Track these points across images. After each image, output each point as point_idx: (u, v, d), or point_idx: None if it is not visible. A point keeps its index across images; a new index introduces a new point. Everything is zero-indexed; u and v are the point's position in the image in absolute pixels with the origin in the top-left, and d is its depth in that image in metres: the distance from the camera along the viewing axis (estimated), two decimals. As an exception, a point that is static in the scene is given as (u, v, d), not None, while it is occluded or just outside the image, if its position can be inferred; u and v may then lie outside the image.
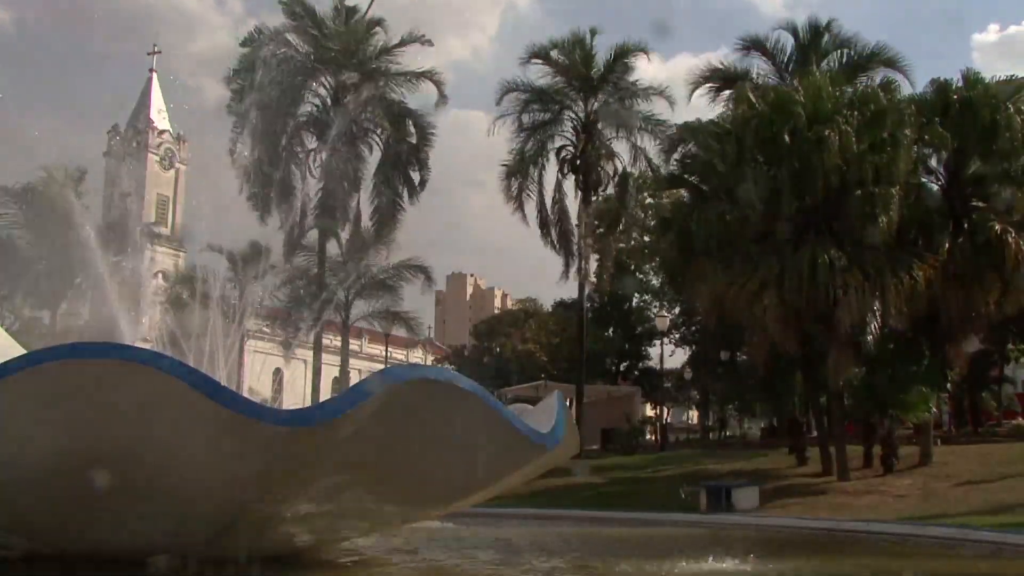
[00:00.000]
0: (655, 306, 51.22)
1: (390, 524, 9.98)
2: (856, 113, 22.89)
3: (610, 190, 37.44)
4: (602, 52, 35.92)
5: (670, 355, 49.55)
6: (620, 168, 36.44)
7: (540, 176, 36.53)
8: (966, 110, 23.98)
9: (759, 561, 10.05)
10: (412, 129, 36.81)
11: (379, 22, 36.56)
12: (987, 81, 25.12)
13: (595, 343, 45.84)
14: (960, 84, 25.16)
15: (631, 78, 35.54)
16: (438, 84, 36.72)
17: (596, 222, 37.05)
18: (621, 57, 35.36)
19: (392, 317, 36.95)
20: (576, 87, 35.95)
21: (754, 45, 31.20)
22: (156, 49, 56.65)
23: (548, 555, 10.78)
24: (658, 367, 46.15)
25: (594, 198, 36.66)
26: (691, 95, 31.62)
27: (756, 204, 22.55)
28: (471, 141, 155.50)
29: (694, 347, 49.35)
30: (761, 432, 43.63)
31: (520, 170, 35.86)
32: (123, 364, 6.57)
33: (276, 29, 35.45)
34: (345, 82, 35.69)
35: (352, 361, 42.75)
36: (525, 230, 36.24)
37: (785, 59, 30.70)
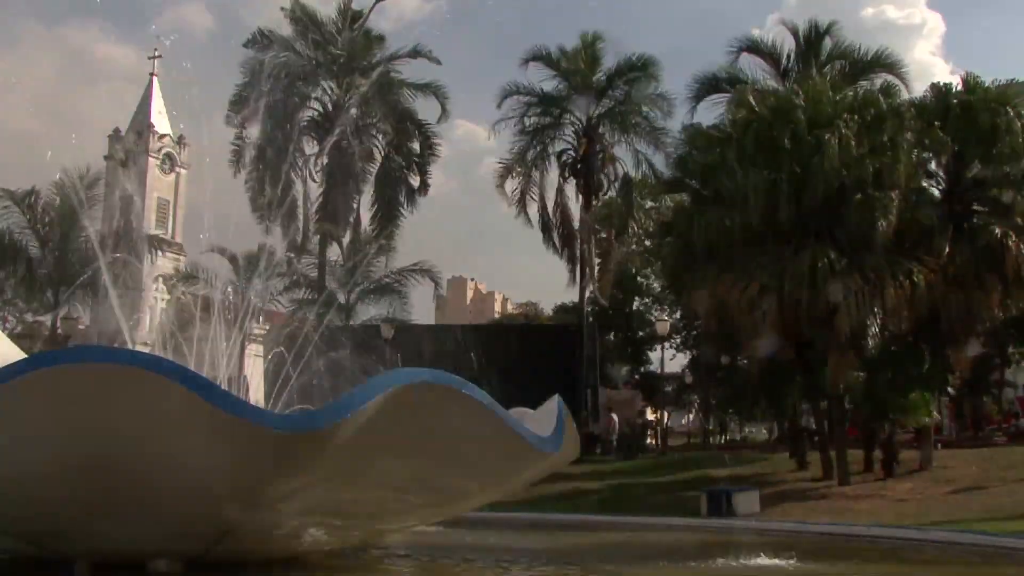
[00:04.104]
0: (656, 310, 51.29)
1: (388, 529, 10.00)
2: (856, 117, 22.91)
3: (611, 194, 37.55)
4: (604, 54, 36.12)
5: (671, 359, 49.62)
6: (621, 172, 36.55)
7: (542, 179, 36.66)
8: (966, 114, 24.02)
9: (759, 564, 10.06)
10: (415, 136, 36.94)
11: (381, 38, 36.81)
12: (987, 85, 25.18)
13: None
14: (959, 88, 25.23)
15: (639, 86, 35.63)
16: (440, 98, 36.85)
17: (597, 226, 37.15)
18: (628, 69, 35.46)
19: (393, 322, 36.95)
20: (579, 91, 36.02)
21: (753, 48, 31.28)
22: (157, 53, 56.61)
23: (537, 562, 10.79)
24: (659, 371, 46.14)
25: (595, 202, 36.75)
26: (697, 103, 31.65)
27: (756, 208, 22.55)
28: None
29: (695, 351, 49.37)
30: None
31: (519, 170, 35.98)
32: (123, 368, 6.58)
33: (284, 37, 35.53)
34: (348, 87, 35.80)
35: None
36: (527, 234, 36.45)
37: (786, 63, 30.79)
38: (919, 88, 28.68)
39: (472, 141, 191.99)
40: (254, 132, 32.23)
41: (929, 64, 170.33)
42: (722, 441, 55.18)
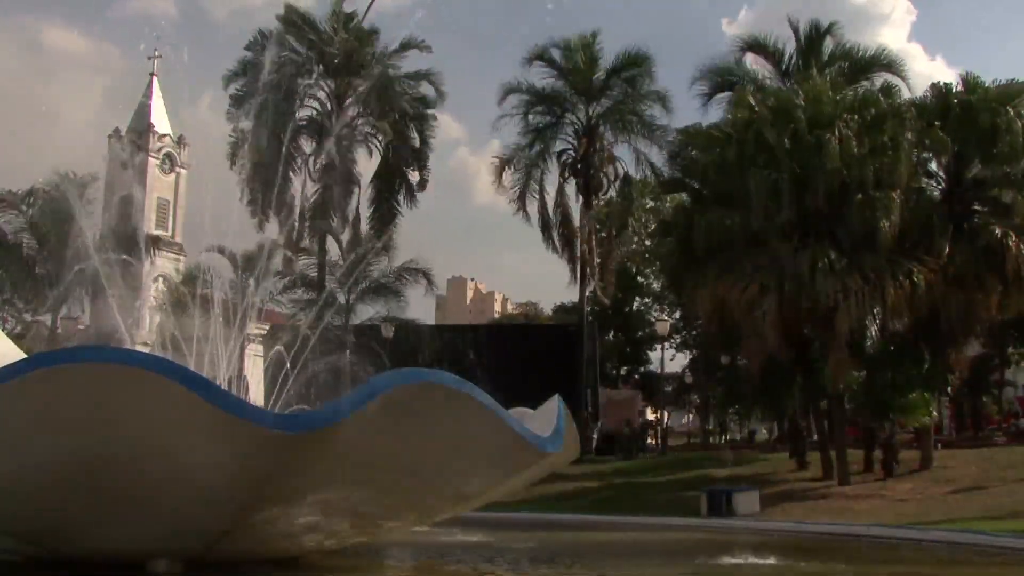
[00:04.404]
0: (656, 310, 51.31)
1: (388, 529, 9.98)
2: (856, 117, 22.90)
3: (611, 194, 37.56)
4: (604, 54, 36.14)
5: (671, 359, 49.66)
6: (621, 172, 36.55)
7: (541, 179, 36.66)
8: (966, 114, 24.00)
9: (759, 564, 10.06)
10: (412, 132, 36.98)
11: (374, 31, 36.82)
12: (987, 85, 25.18)
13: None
14: (960, 88, 25.22)
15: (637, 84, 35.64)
16: (435, 84, 36.96)
17: (598, 226, 37.12)
18: (626, 65, 35.45)
19: (393, 321, 36.88)
20: (578, 91, 36.02)
21: (754, 47, 31.25)
22: (156, 53, 56.63)
23: (536, 561, 10.80)
24: (659, 371, 46.18)
25: (595, 202, 36.74)
26: (708, 101, 31.60)
27: (758, 208, 22.55)
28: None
29: (695, 351, 49.40)
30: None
31: (514, 165, 36.05)
32: (123, 368, 6.57)
33: (276, 34, 35.53)
34: (344, 86, 35.77)
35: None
36: (527, 234, 36.52)
37: (786, 62, 30.76)
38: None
39: (441, 132, 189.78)
40: (253, 133, 32.12)
41: (904, 52, 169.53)
42: (721, 441, 55.17)
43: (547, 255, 37.11)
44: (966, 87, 25.13)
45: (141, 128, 53.08)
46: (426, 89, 37.12)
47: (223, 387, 8.86)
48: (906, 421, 24.40)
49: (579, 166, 35.99)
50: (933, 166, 25.85)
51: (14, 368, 6.68)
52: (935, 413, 25.12)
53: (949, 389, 29.15)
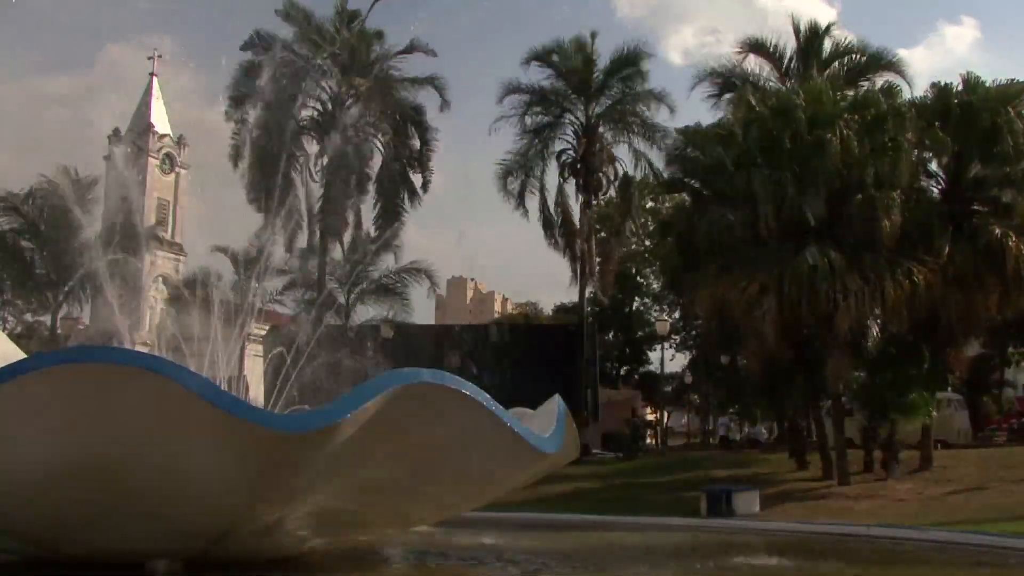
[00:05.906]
0: (655, 310, 51.33)
1: (388, 529, 9.99)
2: (857, 117, 22.92)
3: (611, 193, 37.61)
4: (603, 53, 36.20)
5: (670, 359, 49.66)
6: (621, 172, 36.58)
7: (542, 178, 36.69)
8: (966, 114, 24.01)
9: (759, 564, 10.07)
10: (414, 134, 36.98)
11: (380, 33, 36.77)
12: (987, 85, 25.19)
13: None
14: (960, 88, 25.23)
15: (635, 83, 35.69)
16: (440, 90, 36.89)
17: (598, 226, 37.14)
18: (624, 62, 35.48)
19: (391, 323, 36.90)
20: (577, 90, 36.05)
21: (755, 48, 31.28)
22: (156, 53, 56.76)
23: (536, 561, 10.79)
24: (658, 371, 46.17)
25: (595, 202, 36.78)
26: (719, 98, 31.60)
27: (757, 208, 22.56)
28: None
29: (694, 351, 49.41)
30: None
31: (520, 170, 36.05)
32: (124, 368, 6.58)
33: (278, 37, 35.52)
34: (346, 86, 35.76)
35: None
36: (527, 233, 36.63)
37: (785, 62, 30.80)
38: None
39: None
40: (252, 132, 32.15)
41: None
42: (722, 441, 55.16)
43: (530, 250, 37.17)
44: (966, 87, 25.14)
45: (141, 128, 53.04)
46: (431, 94, 37.09)
47: (223, 387, 8.86)
48: (906, 421, 24.39)
49: (579, 166, 36.03)
50: (933, 166, 25.88)
51: (14, 368, 6.68)
52: (935, 413, 25.13)
53: (949, 389, 29.16)
